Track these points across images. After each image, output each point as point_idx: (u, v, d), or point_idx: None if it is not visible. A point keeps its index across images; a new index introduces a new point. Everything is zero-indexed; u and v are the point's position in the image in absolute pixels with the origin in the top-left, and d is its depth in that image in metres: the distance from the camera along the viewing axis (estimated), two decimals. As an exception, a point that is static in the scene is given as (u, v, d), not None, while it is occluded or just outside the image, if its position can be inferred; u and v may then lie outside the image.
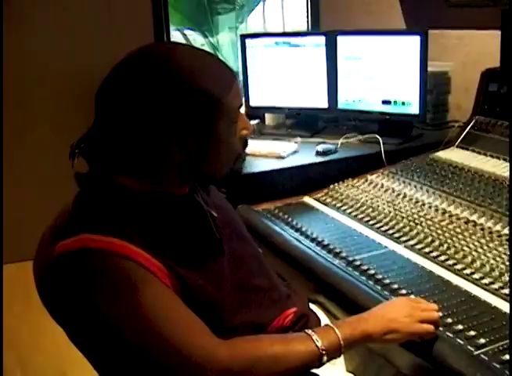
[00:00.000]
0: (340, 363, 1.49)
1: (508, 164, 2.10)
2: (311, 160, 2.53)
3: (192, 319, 1.19)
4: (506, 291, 1.45)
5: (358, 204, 2.04)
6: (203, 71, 1.25)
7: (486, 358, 1.23)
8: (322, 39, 2.86)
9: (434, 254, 1.66)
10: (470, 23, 2.82)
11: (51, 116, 3.53)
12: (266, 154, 2.58)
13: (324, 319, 1.56)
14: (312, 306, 1.60)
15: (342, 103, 2.89)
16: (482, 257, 1.61)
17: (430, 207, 1.94)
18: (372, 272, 1.59)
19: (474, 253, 1.63)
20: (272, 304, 1.40)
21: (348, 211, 2.01)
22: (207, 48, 4.89)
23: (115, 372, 1.31)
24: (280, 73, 2.98)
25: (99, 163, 1.29)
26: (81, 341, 1.31)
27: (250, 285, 1.37)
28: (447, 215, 1.88)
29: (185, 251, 1.26)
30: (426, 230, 1.79)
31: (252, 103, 3.06)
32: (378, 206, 2.00)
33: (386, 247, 1.75)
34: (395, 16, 3.24)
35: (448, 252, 1.66)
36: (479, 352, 1.25)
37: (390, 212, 1.94)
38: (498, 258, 1.59)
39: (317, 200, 2.16)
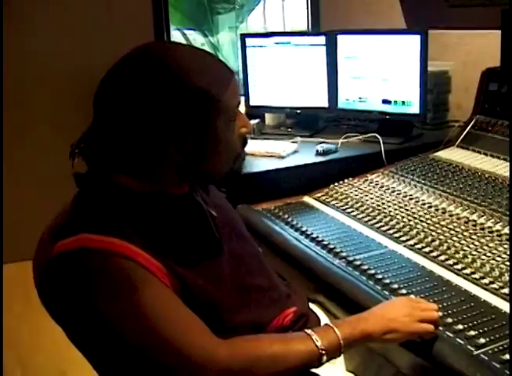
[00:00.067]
0: (340, 362, 1.49)
1: (508, 163, 2.10)
2: (311, 160, 2.53)
3: (192, 318, 1.19)
4: (506, 290, 1.45)
5: (359, 204, 2.04)
6: (200, 70, 1.25)
7: (486, 358, 1.22)
8: (322, 39, 2.86)
9: (434, 253, 1.66)
10: (470, 23, 2.82)
11: (51, 116, 3.53)
12: (266, 154, 2.58)
13: (324, 319, 1.56)
14: (312, 306, 1.60)
15: (342, 103, 2.89)
16: (482, 257, 1.60)
17: (430, 206, 1.94)
18: (372, 271, 1.59)
19: (474, 253, 1.63)
20: (271, 303, 1.40)
21: (348, 210, 2.01)
22: (207, 47, 4.88)
23: (115, 372, 1.31)
24: (280, 72, 2.98)
25: (97, 163, 1.29)
26: (81, 341, 1.31)
27: (249, 284, 1.37)
28: (447, 214, 1.87)
29: (185, 250, 1.26)
30: (426, 230, 1.79)
31: (252, 103, 3.06)
32: (378, 206, 2.00)
33: (386, 246, 1.75)
34: (395, 15, 3.24)
35: (448, 252, 1.66)
36: (479, 351, 1.24)
37: (390, 212, 1.94)
38: (498, 258, 1.59)
39: (317, 199, 2.16)
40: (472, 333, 1.30)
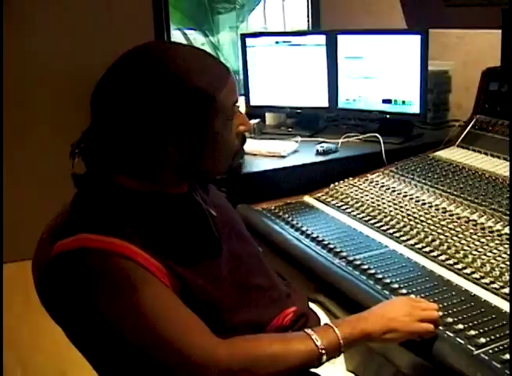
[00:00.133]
0: (340, 362, 1.49)
1: (508, 163, 2.10)
2: (311, 160, 2.53)
3: (192, 318, 1.19)
4: (507, 290, 1.44)
5: (359, 204, 2.03)
6: (198, 70, 1.25)
7: (486, 357, 1.22)
8: (322, 38, 2.86)
9: (435, 253, 1.66)
10: (470, 22, 2.82)
11: (51, 116, 3.52)
12: (266, 154, 2.58)
13: (324, 319, 1.56)
14: (312, 305, 1.60)
15: (342, 103, 2.89)
16: (482, 256, 1.60)
17: (430, 206, 1.94)
18: (372, 271, 1.59)
19: (474, 252, 1.63)
20: (271, 303, 1.40)
21: (349, 210, 2.01)
22: (207, 47, 4.88)
23: (114, 372, 1.31)
24: (281, 72, 2.98)
25: (96, 163, 1.29)
26: (81, 341, 1.31)
27: (249, 284, 1.37)
28: (447, 214, 1.87)
29: (185, 250, 1.26)
30: (426, 229, 1.79)
31: (252, 103, 3.06)
32: (378, 205, 1.99)
33: (386, 246, 1.75)
34: (396, 16, 3.24)
35: (448, 251, 1.65)
36: (479, 351, 1.24)
37: (390, 211, 1.94)
38: (498, 258, 1.59)
39: (317, 199, 2.16)
40: (472, 332, 1.30)
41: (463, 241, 1.69)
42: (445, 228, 1.79)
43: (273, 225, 1.95)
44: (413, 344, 1.30)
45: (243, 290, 1.34)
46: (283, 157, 2.55)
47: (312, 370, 1.28)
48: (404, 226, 1.83)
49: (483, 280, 1.50)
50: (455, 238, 1.72)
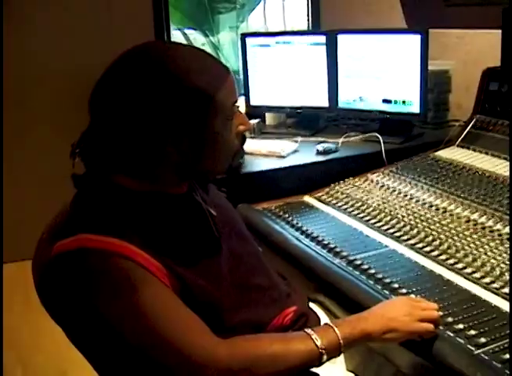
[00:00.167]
0: (340, 362, 1.49)
1: (508, 163, 2.10)
2: (311, 160, 2.53)
3: (192, 318, 1.19)
4: (507, 290, 1.44)
5: (359, 203, 2.03)
6: (198, 70, 1.24)
7: (487, 357, 1.22)
8: (322, 38, 2.86)
9: (435, 253, 1.66)
10: (470, 22, 2.81)
11: (51, 116, 3.52)
12: (266, 153, 2.58)
13: (324, 319, 1.56)
14: (312, 305, 1.60)
15: (343, 102, 2.89)
16: (483, 256, 1.60)
17: (430, 206, 1.94)
18: (372, 271, 1.59)
19: (474, 252, 1.63)
20: (271, 303, 1.40)
21: (349, 210, 2.01)
22: (207, 47, 4.88)
23: (115, 372, 1.32)
24: (281, 72, 2.98)
25: (95, 163, 1.29)
26: (81, 341, 1.31)
27: (249, 284, 1.37)
28: (447, 213, 1.87)
29: (185, 250, 1.26)
30: (426, 229, 1.79)
31: (253, 103, 3.05)
32: (379, 205, 1.99)
33: (386, 246, 1.75)
34: (396, 15, 3.24)
35: (448, 251, 1.65)
36: (479, 351, 1.24)
37: (390, 211, 1.94)
38: (498, 257, 1.59)
39: (317, 199, 2.16)
40: (472, 332, 1.29)
41: (464, 241, 1.69)
42: (445, 228, 1.78)
43: (273, 224, 1.95)
44: (413, 344, 1.30)
45: (243, 289, 1.34)
46: (283, 156, 2.55)
47: (312, 369, 1.28)
48: (404, 226, 1.83)
49: (483, 280, 1.50)
50: (455, 238, 1.72)
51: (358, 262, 1.64)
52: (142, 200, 1.26)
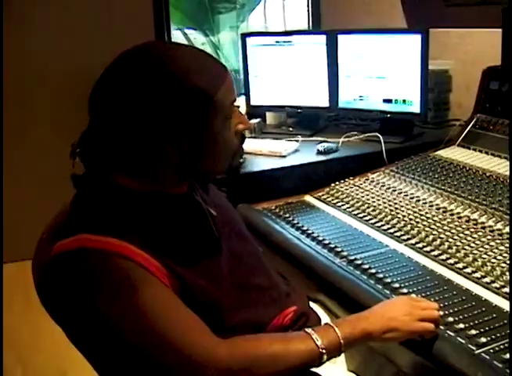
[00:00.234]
0: (341, 362, 1.49)
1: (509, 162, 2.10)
2: (312, 159, 2.52)
3: (192, 318, 1.19)
4: (507, 289, 1.44)
5: (359, 203, 2.03)
6: (198, 70, 1.24)
7: (487, 357, 1.22)
8: (323, 38, 2.85)
9: (435, 252, 1.66)
10: (470, 22, 2.81)
11: (51, 116, 3.52)
12: (267, 153, 2.57)
13: (325, 318, 1.56)
14: (313, 305, 1.60)
15: (343, 102, 2.88)
16: (483, 255, 1.60)
17: (431, 205, 1.94)
18: (373, 270, 1.59)
19: (474, 252, 1.63)
20: (271, 302, 1.39)
21: (349, 209, 2.01)
22: (208, 47, 4.88)
23: (115, 372, 1.31)
24: (281, 72, 2.98)
25: (95, 163, 1.29)
26: (81, 341, 1.31)
27: (249, 284, 1.37)
28: (448, 213, 1.87)
29: (184, 250, 1.26)
30: (427, 229, 1.79)
31: (253, 102, 3.05)
32: (379, 205, 1.99)
33: (387, 245, 1.75)
34: (396, 15, 3.24)
35: (449, 251, 1.65)
36: (480, 350, 1.24)
37: (391, 211, 1.94)
38: (499, 257, 1.58)
39: (318, 198, 2.16)
40: (473, 332, 1.29)
41: (464, 240, 1.69)
42: (445, 227, 1.78)
43: (274, 224, 1.95)
44: (414, 343, 1.30)
45: (243, 289, 1.34)
46: (284, 156, 2.55)
47: (313, 369, 1.28)
48: (404, 226, 1.83)
49: (484, 280, 1.50)
50: (455, 237, 1.72)
51: (359, 262, 1.64)
52: (142, 200, 1.26)
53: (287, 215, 2.00)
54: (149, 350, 1.15)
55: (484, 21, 2.67)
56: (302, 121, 3.02)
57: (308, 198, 2.19)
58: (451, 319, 1.35)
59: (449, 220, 1.83)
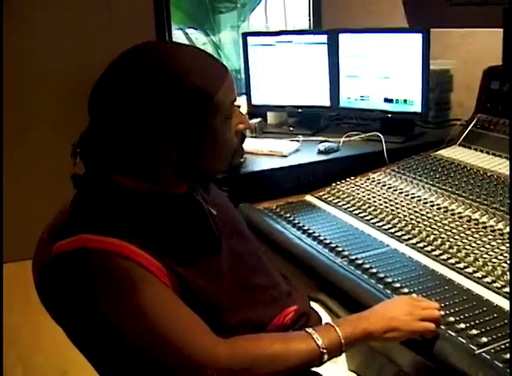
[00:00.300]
0: (341, 361, 1.49)
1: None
2: (313, 159, 2.52)
3: (192, 318, 1.19)
4: (508, 289, 1.44)
5: (360, 203, 2.03)
6: (198, 70, 1.24)
7: (488, 357, 1.22)
8: (324, 37, 2.85)
9: (436, 252, 1.66)
10: (471, 21, 2.81)
11: (51, 116, 3.52)
12: (268, 153, 2.57)
13: (325, 318, 1.55)
14: (314, 305, 1.60)
15: (344, 102, 2.88)
16: (484, 255, 1.60)
17: (432, 205, 1.93)
18: (374, 270, 1.58)
19: (476, 251, 1.62)
20: (272, 302, 1.39)
21: (350, 209, 2.00)
22: (209, 46, 4.89)
23: (115, 372, 1.31)
24: (282, 71, 2.97)
25: (95, 163, 1.28)
26: (81, 341, 1.31)
27: (250, 283, 1.36)
28: (449, 213, 1.87)
29: (185, 250, 1.26)
30: (428, 229, 1.78)
31: (254, 102, 3.05)
32: (380, 204, 1.99)
33: (388, 245, 1.74)
34: (397, 15, 3.24)
35: (450, 251, 1.65)
36: (481, 350, 1.24)
37: (392, 211, 1.93)
38: (500, 257, 1.58)
39: (319, 198, 2.16)
40: (474, 332, 1.29)
41: (465, 240, 1.69)
42: (446, 227, 1.78)
43: (275, 224, 1.95)
44: (415, 343, 1.29)
45: (244, 289, 1.34)
46: (285, 156, 2.54)
47: (314, 369, 1.28)
48: (405, 225, 1.83)
49: (484, 279, 1.50)
50: (456, 237, 1.71)
51: (360, 262, 1.64)
52: (143, 200, 1.26)
53: (288, 215, 2.00)
54: (150, 350, 1.15)
55: (485, 21, 2.67)
56: (303, 121, 3.02)
57: (309, 198, 2.18)
58: (452, 318, 1.34)
59: (450, 220, 1.82)
